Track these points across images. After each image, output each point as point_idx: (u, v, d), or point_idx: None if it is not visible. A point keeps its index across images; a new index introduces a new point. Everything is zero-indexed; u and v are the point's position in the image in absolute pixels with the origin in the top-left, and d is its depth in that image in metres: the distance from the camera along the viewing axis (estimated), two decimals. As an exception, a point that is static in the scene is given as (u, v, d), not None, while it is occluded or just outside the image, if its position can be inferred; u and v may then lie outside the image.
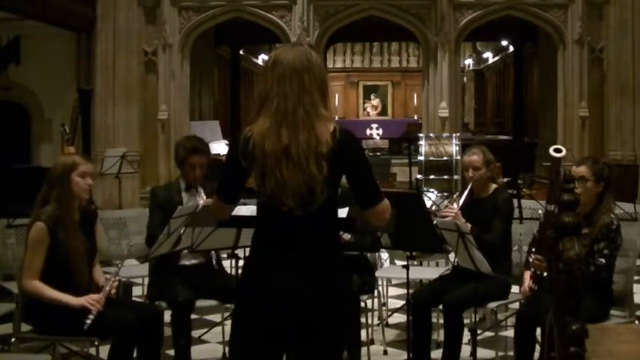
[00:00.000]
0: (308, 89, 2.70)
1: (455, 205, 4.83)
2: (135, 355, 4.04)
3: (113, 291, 4.07)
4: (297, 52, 2.78)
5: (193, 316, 4.99)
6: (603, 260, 4.14)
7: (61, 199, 4.00)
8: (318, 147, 2.65)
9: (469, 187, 4.84)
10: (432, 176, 10.82)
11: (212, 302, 4.81)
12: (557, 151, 4.08)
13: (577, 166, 4.33)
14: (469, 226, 4.55)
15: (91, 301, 3.91)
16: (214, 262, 4.90)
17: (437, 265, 6.19)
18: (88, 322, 3.84)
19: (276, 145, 2.65)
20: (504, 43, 19.14)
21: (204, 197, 4.64)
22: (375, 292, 5.21)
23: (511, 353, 4.58)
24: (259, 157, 2.67)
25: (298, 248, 2.72)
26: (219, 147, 11.30)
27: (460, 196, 4.89)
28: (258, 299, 2.73)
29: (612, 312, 4.32)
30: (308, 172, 2.64)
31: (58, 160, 4.20)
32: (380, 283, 5.51)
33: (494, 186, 4.90)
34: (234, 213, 3.23)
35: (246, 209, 3.40)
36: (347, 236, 4.48)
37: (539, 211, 4.65)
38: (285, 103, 2.67)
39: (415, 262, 5.42)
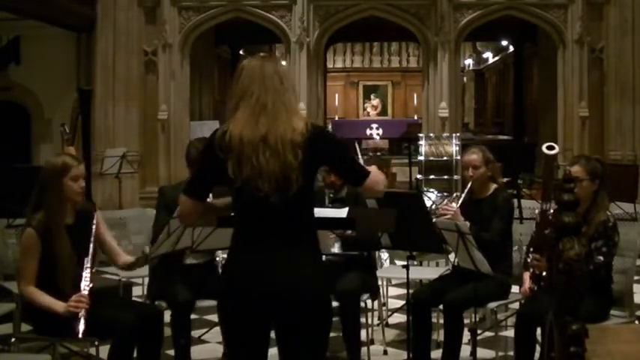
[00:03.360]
0: (287, 89, 2.87)
1: (454, 204, 4.84)
2: (135, 355, 4.04)
3: (87, 280, 3.95)
4: (273, 62, 2.96)
5: (193, 316, 4.98)
6: (601, 258, 4.14)
7: (52, 203, 3.96)
8: (293, 136, 2.76)
9: (469, 186, 4.84)
10: (432, 176, 10.82)
11: (212, 302, 4.80)
12: (550, 148, 4.07)
13: (570, 167, 4.31)
14: (467, 224, 4.56)
15: (73, 303, 3.84)
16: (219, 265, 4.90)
17: (437, 265, 6.19)
18: (81, 327, 3.77)
19: (254, 133, 2.77)
20: (504, 43, 19.14)
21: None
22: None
23: (511, 353, 4.58)
24: (236, 146, 2.77)
25: (274, 236, 2.78)
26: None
27: (460, 195, 4.89)
28: (235, 287, 2.79)
29: (612, 312, 4.32)
30: (284, 160, 2.74)
31: (48, 163, 4.13)
32: (380, 283, 5.51)
33: (494, 186, 4.89)
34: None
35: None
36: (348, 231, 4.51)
37: (536, 211, 4.65)
38: (266, 95, 2.81)
39: (415, 262, 5.42)
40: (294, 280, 2.76)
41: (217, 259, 4.96)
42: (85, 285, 3.93)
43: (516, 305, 5.01)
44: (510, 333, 4.82)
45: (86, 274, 3.96)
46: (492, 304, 4.72)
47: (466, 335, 4.68)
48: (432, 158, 10.90)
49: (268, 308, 2.77)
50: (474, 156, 4.84)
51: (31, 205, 4.00)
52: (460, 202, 4.81)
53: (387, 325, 5.84)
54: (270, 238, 2.79)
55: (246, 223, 2.83)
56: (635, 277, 4.62)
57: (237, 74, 2.93)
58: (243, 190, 2.79)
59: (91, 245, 4.01)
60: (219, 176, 2.86)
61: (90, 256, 3.99)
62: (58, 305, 3.88)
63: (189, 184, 3.02)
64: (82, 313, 3.81)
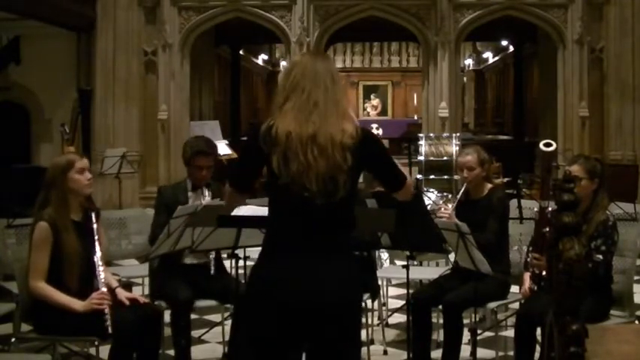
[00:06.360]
0: (339, 89, 2.78)
1: (449, 206, 4.84)
2: (135, 355, 4.04)
3: (102, 278, 3.98)
4: (325, 59, 2.86)
5: (193, 316, 4.98)
6: (600, 257, 4.13)
7: (59, 201, 4.00)
8: (343, 139, 2.67)
9: (464, 187, 4.85)
10: (432, 176, 10.82)
11: (212, 302, 4.81)
12: (547, 145, 4.08)
13: (569, 166, 4.32)
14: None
15: (96, 300, 3.88)
16: (212, 267, 4.87)
17: (437, 265, 6.19)
18: (108, 323, 3.81)
19: (304, 130, 2.66)
20: (504, 43, 19.14)
21: (208, 198, 4.65)
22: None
23: (511, 353, 4.58)
24: (283, 140, 2.67)
25: (313, 239, 2.69)
26: (219, 147, 11.29)
27: (455, 197, 4.89)
28: (271, 295, 2.69)
29: (612, 312, 4.32)
30: (333, 160, 2.65)
31: (52, 163, 4.19)
32: (380, 283, 5.51)
33: (489, 186, 4.90)
34: (234, 213, 3.21)
35: (247, 209, 3.39)
36: None
37: (535, 209, 4.66)
38: (318, 93, 2.71)
39: (415, 262, 5.42)
40: (332, 287, 2.66)
41: (211, 256, 4.91)
42: (102, 282, 3.96)
43: (516, 305, 5.01)
44: (510, 333, 4.81)
45: (100, 271, 3.98)
46: (492, 304, 4.72)
47: (466, 335, 4.68)
48: (432, 158, 10.90)
49: (307, 318, 2.66)
50: (469, 157, 4.84)
51: (39, 204, 4.04)
52: (455, 203, 4.82)
53: (387, 325, 5.83)
54: (309, 241, 2.68)
55: (286, 223, 2.73)
56: (635, 277, 4.61)
57: (287, 69, 2.84)
58: (289, 188, 2.67)
59: (97, 242, 4.03)
60: (260, 170, 2.78)
61: (99, 254, 4.00)
62: (76, 304, 3.90)
63: (233, 177, 2.90)
64: (107, 311, 3.84)
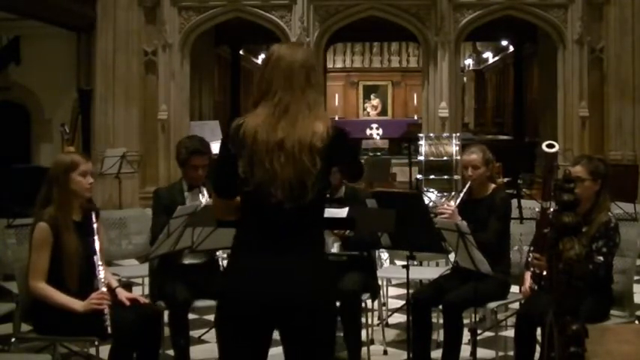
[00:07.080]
0: (312, 86, 2.70)
1: (452, 203, 4.83)
2: (135, 355, 4.04)
3: (102, 277, 3.98)
4: (304, 50, 2.81)
5: (193, 316, 4.99)
6: (601, 258, 4.13)
7: (60, 199, 4.00)
8: (313, 141, 2.61)
9: (467, 185, 4.84)
10: (432, 176, 10.83)
11: (211, 302, 4.80)
12: (550, 146, 4.07)
13: (572, 167, 4.31)
14: (464, 224, 4.55)
15: (95, 300, 3.88)
16: (220, 264, 4.90)
17: (437, 265, 6.19)
18: (108, 323, 3.81)
19: (270, 137, 2.61)
20: (504, 43, 19.16)
21: (207, 196, 4.65)
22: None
23: (511, 353, 4.58)
24: (249, 144, 2.62)
25: (283, 241, 2.65)
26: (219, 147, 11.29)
27: (458, 194, 4.89)
28: (241, 293, 2.67)
29: (612, 312, 4.31)
30: (301, 166, 2.59)
31: (56, 160, 4.19)
32: (380, 283, 5.51)
33: (492, 186, 4.89)
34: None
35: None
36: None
37: (536, 209, 4.65)
38: (290, 96, 2.65)
39: (415, 262, 5.42)
40: (303, 288, 2.64)
41: (219, 258, 4.95)
42: (102, 282, 3.96)
43: (516, 305, 5.01)
44: (510, 333, 4.81)
45: (100, 271, 3.98)
46: (492, 304, 4.72)
47: (466, 335, 4.68)
48: (432, 158, 10.91)
49: (275, 316, 2.66)
50: (474, 156, 4.83)
51: (40, 202, 4.04)
52: (458, 201, 4.81)
53: (387, 325, 5.83)
54: (279, 243, 2.65)
55: (255, 227, 2.69)
56: (635, 277, 4.61)
57: (264, 61, 2.78)
58: (255, 195, 2.64)
59: (97, 242, 4.03)
60: (236, 169, 2.67)
61: (99, 254, 4.00)
62: (76, 304, 3.90)
63: (213, 181, 2.86)
64: (106, 311, 3.84)
